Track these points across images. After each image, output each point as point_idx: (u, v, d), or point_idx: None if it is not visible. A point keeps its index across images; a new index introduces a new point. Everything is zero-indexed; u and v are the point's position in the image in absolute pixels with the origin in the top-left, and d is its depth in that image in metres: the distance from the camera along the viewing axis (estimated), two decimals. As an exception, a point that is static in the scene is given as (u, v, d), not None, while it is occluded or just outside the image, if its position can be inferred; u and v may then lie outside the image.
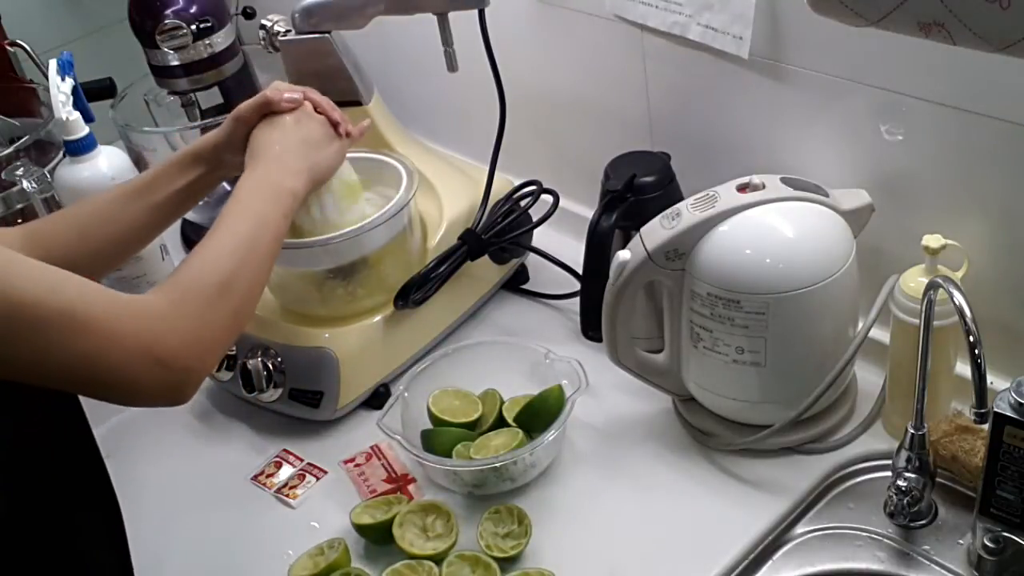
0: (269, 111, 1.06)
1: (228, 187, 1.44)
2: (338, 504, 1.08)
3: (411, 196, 1.16)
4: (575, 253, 1.18)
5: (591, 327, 1.14)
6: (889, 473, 0.97)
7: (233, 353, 1.19)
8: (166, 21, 1.32)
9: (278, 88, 1.07)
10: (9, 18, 1.55)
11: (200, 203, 1.44)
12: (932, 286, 0.87)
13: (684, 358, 1.06)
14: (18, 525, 0.82)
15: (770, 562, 0.98)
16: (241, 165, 1.04)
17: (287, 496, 1.11)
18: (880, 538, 0.98)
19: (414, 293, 1.17)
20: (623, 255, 1.01)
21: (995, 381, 0.94)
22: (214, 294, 0.86)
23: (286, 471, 1.14)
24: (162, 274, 1.32)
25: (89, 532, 0.90)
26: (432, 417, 1.12)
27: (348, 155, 1.16)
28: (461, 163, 1.37)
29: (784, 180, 1.00)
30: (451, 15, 1.19)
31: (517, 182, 1.27)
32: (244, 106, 1.05)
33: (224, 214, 0.94)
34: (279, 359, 1.16)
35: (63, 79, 1.22)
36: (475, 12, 1.17)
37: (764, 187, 0.98)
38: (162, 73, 1.38)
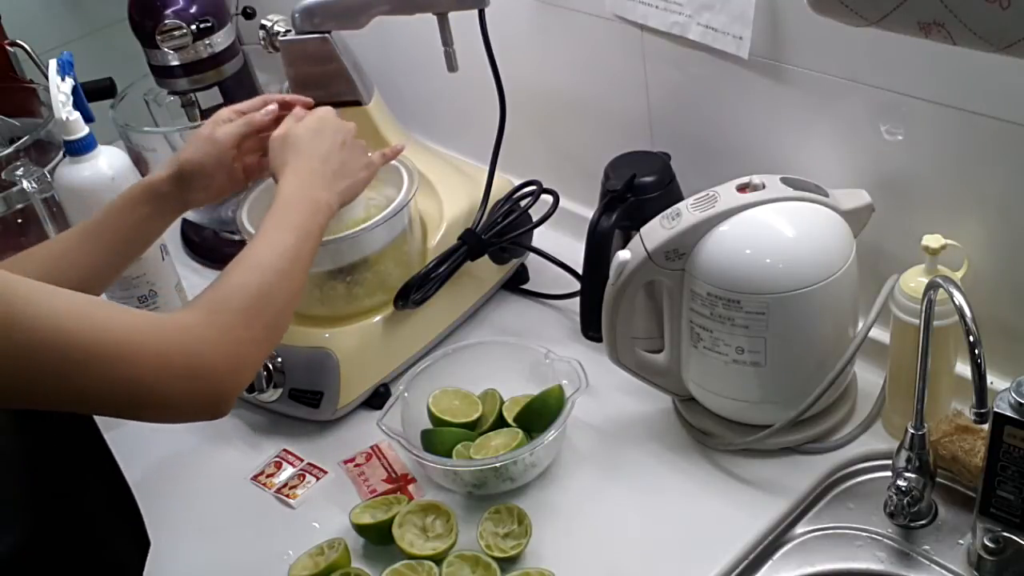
0: (253, 131, 1.07)
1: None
2: (338, 504, 1.08)
3: (411, 196, 1.16)
4: (575, 253, 1.18)
5: (591, 327, 1.14)
6: (889, 473, 0.97)
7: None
8: (166, 21, 1.32)
9: (263, 103, 1.08)
10: (9, 18, 1.54)
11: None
12: (932, 286, 0.87)
13: (684, 358, 1.06)
14: (44, 545, 0.82)
15: (770, 562, 0.98)
16: (208, 196, 1.05)
17: (287, 496, 1.11)
18: (880, 538, 0.98)
19: (414, 293, 1.17)
20: (623, 255, 1.01)
21: (995, 381, 0.94)
22: (251, 308, 0.85)
23: (286, 471, 1.14)
24: (162, 274, 1.31)
25: (113, 541, 0.90)
26: (432, 417, 1.12)
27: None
28: (461, 163, 1.37)
29: (784, 180, 1.00)
30: (451, 15, 1.19)
31: (517, 182, 1.27)
32: (224, 133, 1.05)
33: (267, 224, 0.94)
34: (279, 359, 1.16)
35: (63, 79, 1.22)
36: (475, 12, 1.17)
37: (764, 187, 0.98)
38: (162, 73, 1.38)
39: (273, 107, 1.09)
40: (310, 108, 1.10)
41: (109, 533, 0.90)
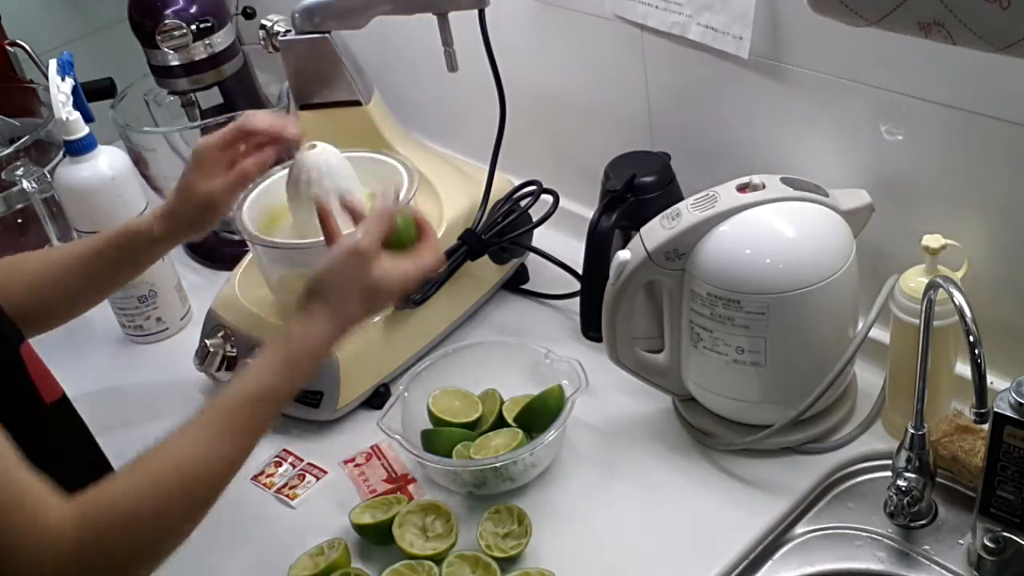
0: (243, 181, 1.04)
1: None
2: (338, 504, 1.08)
3: (411, 196, 1.16)
4: (575, 253, 1.18)
5: (591, 327, 1.14)
6: (889, 473, 0.97)
7: (233, 354, 1.19)
8: (166, 21, 1.32)
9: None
10: (9, 18, 1.55)
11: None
12: (932, 286, 0.87)
13: (684, 358, 1.06)
14: None
15: (770, 562, 0.98)
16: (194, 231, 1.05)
17: (287, 496, 1.11)
18: (880, 538, 0.98)
19: (414, 293, 1.17)
20: (623, 255, 1.01)
21: (995, 381, 0.94)
22: (141, 545, 0.74)
23: (286, 471, 1.14)
24: (161, 274, 1.31)
25: None
26: (432, 417, 1.12)
27: (348, 155, 1.16)
28: (461, 163, 1.37)
29: (784, 180, 1.00)
30: (451, 15, 1.19)
31: (517, 182, 1.27)
32: (221, 189, 1.02)
33: (222, 414, 0.81)
34: (279, 359, 1.16)
35: (63, 79, 1.22)
36: (475, 12, 1.17)
37: (764, 187, 0.98)
38: (162, 73, 1.38)
39: (268, 154, 1.04)
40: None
41: None
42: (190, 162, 1.04)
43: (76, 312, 1.08)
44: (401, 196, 1.16)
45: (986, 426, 0.86)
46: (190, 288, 1.38)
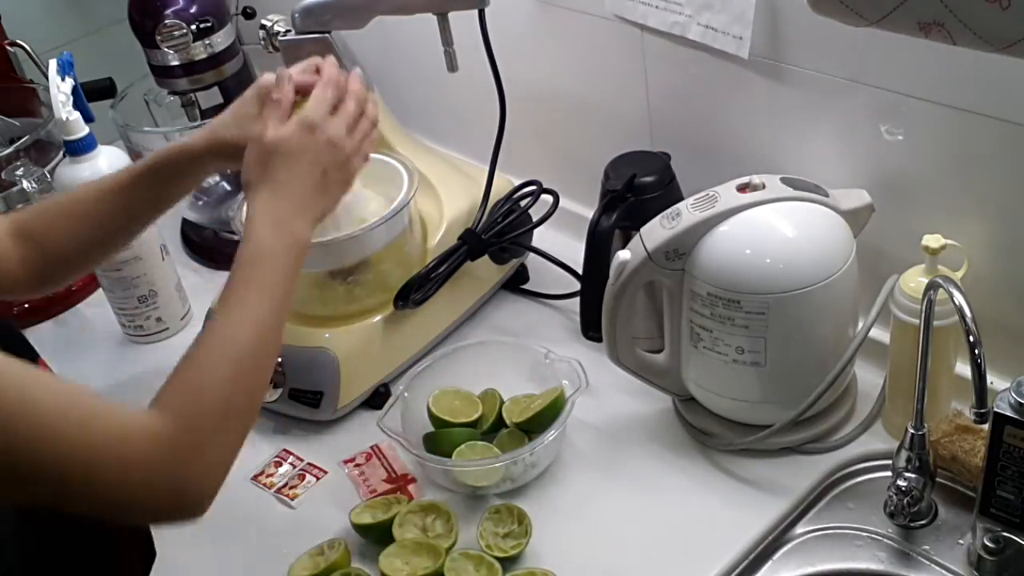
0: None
1: (228, 186, 1.44)
2: (338, 504, 1.08)
3: (411, 196, 1.16)
4: (575, 253, 1.19)
5: (591, 327, 1.14)
6: (889, 473, 0.97)
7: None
8: (166, 21, 1.32)
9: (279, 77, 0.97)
10: (9, 18, 1.55)
11: (200, 203, 1.44)
12: (932, 286, 0.87)
13: (684, 358, 1.06)
14: (43, 562, 0.82)
15: (770, 562, 0.98)
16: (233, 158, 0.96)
17: (287, 496, 1.11)
18: (880, 538, 0.98)
19: (414, 293, 1.17)
20: (623, 255, 1.01)
21: (995, 381, 0.94)
22: (225, 403, 0.78)
23: (286, 471, 1.14)
24: (162, 274, 1.31)
25: (117, 555, 0.90)
26: (432, 417, 1.12)
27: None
28: (461, 163, 1.37)
29: (784, 180, 1.00)
30: (451, 15, 1.19)
31: (517, 182, 1.27)
32: (241, 105, 0.99)
33: (238, 282, 0.85)
34: (279, 359, 1.16)
35: (63, 79, 1.22)
36: (475, 12, 1.17)
37: (764, 187, 0.98)
38: (162, 73, 1.38)
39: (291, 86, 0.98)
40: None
41: (113, 547, 0.89)
42: (251, 90, 1.00)
43: (115, 247, 1.07)
44: (401, 196, 1.16)
45: (986, 426, 0.87)
46: (190, 288, 1.38)
